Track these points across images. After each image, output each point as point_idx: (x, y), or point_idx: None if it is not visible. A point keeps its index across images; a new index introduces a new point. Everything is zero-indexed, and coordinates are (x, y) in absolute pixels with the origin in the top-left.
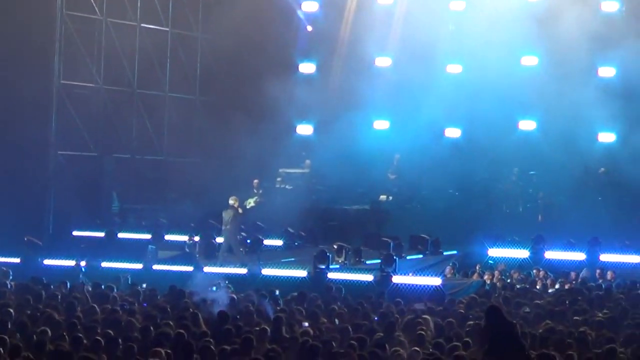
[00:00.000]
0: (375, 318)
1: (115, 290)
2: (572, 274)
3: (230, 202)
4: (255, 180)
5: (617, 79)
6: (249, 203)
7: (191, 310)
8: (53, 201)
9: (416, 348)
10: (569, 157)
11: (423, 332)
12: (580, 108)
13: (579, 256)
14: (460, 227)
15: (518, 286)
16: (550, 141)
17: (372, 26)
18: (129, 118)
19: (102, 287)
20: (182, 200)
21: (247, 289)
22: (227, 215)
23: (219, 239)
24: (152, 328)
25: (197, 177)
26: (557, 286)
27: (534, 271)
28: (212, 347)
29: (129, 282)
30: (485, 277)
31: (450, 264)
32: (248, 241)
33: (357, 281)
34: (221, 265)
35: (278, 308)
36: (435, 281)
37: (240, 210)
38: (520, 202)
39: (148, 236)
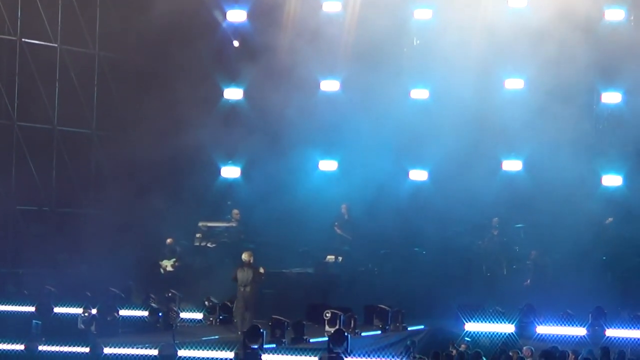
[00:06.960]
0: None
1: None
2: (571, 355)
3: (245, 257)
4: (169, 239)
5: (624, 105)
6: (166, 266)
7: None
8: None
9: None
10: (564, 205)
11: None
12: (578, 142)
13: (579, 331)
14: (429, 296)
15: None
16: (542, 185)
17: (316, 40)
18: (6, 158)
19: None
20: (76, 262)
21: None
22: (244, 274)
23: (124, 312)
24: None
25: (95, 232)
26: None
27: (525, 351)
28: None
29: None
30: None
31: (408, 343)
32: (160, 314)
33: None
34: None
35: None
36: None
37: (262, 270)
38: (504, 262)
39: (32, 309)
